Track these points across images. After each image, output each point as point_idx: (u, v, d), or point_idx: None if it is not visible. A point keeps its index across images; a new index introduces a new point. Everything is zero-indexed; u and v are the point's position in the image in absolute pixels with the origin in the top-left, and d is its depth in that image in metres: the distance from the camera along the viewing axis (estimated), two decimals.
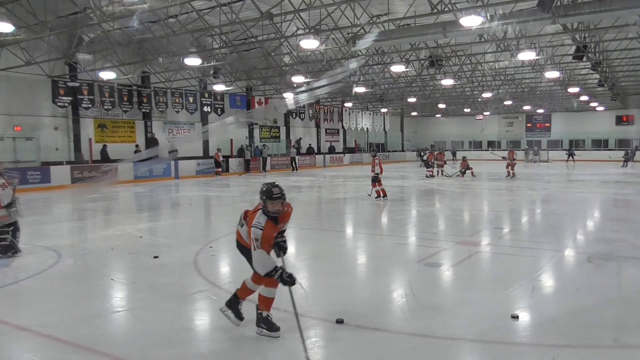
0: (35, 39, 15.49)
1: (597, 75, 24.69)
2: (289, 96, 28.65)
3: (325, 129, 38.48)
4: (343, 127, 39.13)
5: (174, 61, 20.19)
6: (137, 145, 23.86)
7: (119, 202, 15.95)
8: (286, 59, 23.27)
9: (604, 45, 20.37)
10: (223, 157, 26.62)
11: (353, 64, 22.19)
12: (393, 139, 46.66)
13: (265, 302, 4.18)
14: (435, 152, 24.71)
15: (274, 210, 4.02)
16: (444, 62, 21.50)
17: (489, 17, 12.41)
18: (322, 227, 10.16)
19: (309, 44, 15.27)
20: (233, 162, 27.25)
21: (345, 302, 4.93)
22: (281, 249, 4.18)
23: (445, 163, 24.06)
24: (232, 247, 7.73)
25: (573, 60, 19.78)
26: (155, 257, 6.88)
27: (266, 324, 4.12)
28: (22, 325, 4.38)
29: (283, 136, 33.98)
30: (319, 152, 35.44)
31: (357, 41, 15.60)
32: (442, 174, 22.87)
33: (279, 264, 4.03)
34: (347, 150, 39.57)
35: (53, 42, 17.71)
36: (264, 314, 4.16)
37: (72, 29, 16.15)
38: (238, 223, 4.33)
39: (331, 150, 36.71)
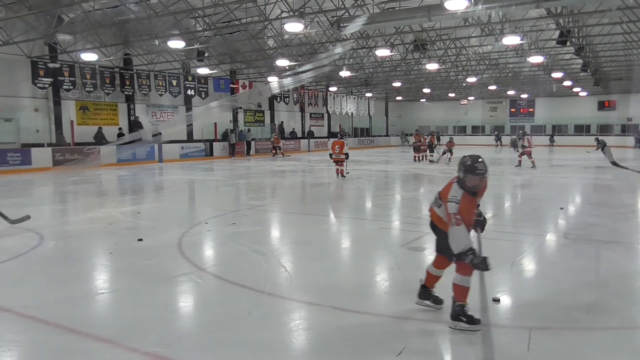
0: (13, 17, 15.10)
1: (580, 60, 24.95)
2: (274, 80, 28.43)
3: (310, 114, 38.37)
4: (327, 111, 39.04)
5: (156, 44, 19.87)
6: (120, 128, 23.55)
7: (102, 185, 15.78)
8: (270, 42, 23.05)
9: (587, 30, 20.55)
10: (207, 140, 26.54)
11: (339, 49, 22.06)
12: (378, 123, 46.73)
13: (462, 292, 3.85)
14: (429, 136, 24.22)
15: (472, 186, 3.77)
16: (429, 46, 21.50)
17: (473, 1, 12.42)
18: (306, 211, 10.19)
19: (293, 27, 15.14)
20: (217, 146, 27.08)
21: (329, 286, 4.98)
22: (479, 224, 4.01)
23: (435, 147, 23.71)
24: (217, 229, 7.82)
25: (557, 45, 19.93)
26: (140, 239, 6.85)
27: (466, 317, 3.81)
28: (4, 307, 4.34)
29: (267, 120, 33.81)
30: (303, 137, 35.37)
31: (341, 24, 15.50)
32: (426, 159, 22.91)
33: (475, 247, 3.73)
34: (332, 135, 39.53)
35: (32, 21, 17.27)
36: (461, 305, 3.84)
37: (52, 8, 15.77)
38: (434, 203, 4.14)
39: (310, 134, 36.52)
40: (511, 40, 18.73)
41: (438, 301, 4.23)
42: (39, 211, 9.89)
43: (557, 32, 18.82)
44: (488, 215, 9.42)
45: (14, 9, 14.49)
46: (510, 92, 40.65)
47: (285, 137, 32.83)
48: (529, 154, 18.41)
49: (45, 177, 17.23)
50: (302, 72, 23.49)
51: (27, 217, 7.51)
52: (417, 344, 3.71)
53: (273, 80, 28.77)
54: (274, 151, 28.59)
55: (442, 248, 4.01)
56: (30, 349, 3.63)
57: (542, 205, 10.53)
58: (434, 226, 4.16)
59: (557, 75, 28.64)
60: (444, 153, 21.79)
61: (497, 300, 4.45)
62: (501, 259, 5.92)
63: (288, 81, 27.79)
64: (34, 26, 17.60)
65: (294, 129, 35.18)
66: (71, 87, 21.47)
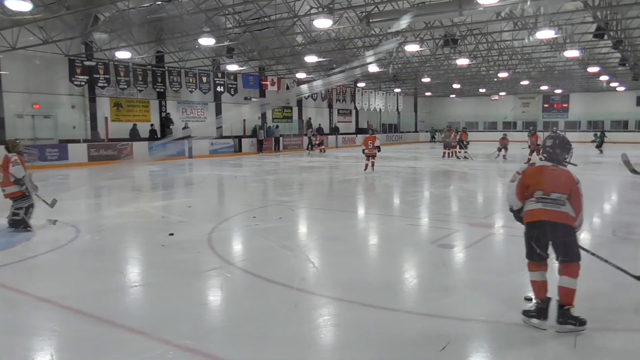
0: (52, 17, 15.55)
1: (618, 54, 24.15)
2: (314, 81, 28.56)
3: (338, 110, 38.31)
4: (355, 107, 38.90)
5: (188, 41, 20.17)
6: (152, 125, 24.06)
7: (134, 180, 16.16)
8: (299, 38, 23.10)
9: (626, 23, 19.86)
10: (236, 137, 26.86)
11: (384, 47, 21.88)
12: (406, 119, 46.31)
13: (571, 295, 3.78)
14: (459, 132, 23.44)
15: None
16: (459, 41, 21.16)
17: None
18: (334, 207, 10.22)
19: (322, 23, 15.12)
20: (246, 142, 27.35)
21: (357, 282, 4.99)
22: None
23: (468, 144, 22.80)
24: (245, 225, 7.92)
25: (593, 39, 19.32)
26: (171, 234, 7.00)
27: (574, 319, 3.73)
28: (43, 297, 4.52)
29: (295, 116, 33.93)
30: (331, 133, 35.36)
31: (370, 20, 15.40)
32: (455, 155, 22.56)
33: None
34: (360, 130, 39.41)
35: (70, 21, 17.77)
36: (569, 308, 3.76)
37: (89, 8, 16.19)
38: (551, 206, 3.89)
39: (335, 130, 36.32)
40: (545, 34, 18.24)
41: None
42: (75, 205, 10.21)
43: (594, 25, 18.26)
44: None
45: (53, 9, 14.93)
46: (544, 87, 39.65)
47: (314, 134, 32.83)
48: (538, 151, 17.82)
49: (82, 172, 17.74)
50: (351, 68, 23.41)
51: (55, 201, 7.76)
52: (444, 340, 3.68)
53: (302, 76, 28.84)
54: (319, 148, 28.33)
55: (577, 251, 3.80)
56: (68, 339, 3.77)
57: None
58: (565, 229, 3.81)
59: (593, 69, 27.80)
60: (499, 150, 21.27)
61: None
62: None
63: (337, 78, 27.83)
64: (71, 25, 18.10)
65: (320, 125, 35.10)
66: (106, 85, 22.01)
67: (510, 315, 4.07)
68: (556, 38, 21.45)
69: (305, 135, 31.02)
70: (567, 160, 4.06)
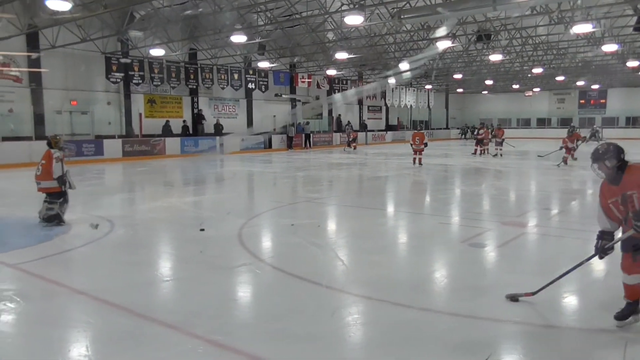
0: (90, 16, 15.97)
1: None
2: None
3: (368, 106, 38.12)
4: (386, 104, 38.63)
5: (220, 38, 20.40)
6: (184, 121, 24.47)
7: (167, 175, 16.46)
8: (330, 35, 23.06)
9: None
10: (266, 132, 27.05)
11: (433, 50, 21.72)
12: (437, 116, 45.73)
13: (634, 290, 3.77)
14: (494, 129, 22.74)
15: (603, 173, 3.80)
16: (493, 36, 20.75)
17: None
18: (363, 204, 10.17)
19: (354, 19, 15.04)
20: (276, 139, 27.51)
21: (387, 280, 4.95)
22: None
23: (504, 141, 21.59)
24: (275, 221, 7.96)
25: (633, 32, 18.66)
26: (202, 229, 7.09)
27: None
28: (79, 289, 4.64)
29: (325, 113, 33.92)
30: (361, 129, 35.22)
31: (402, 16, 15.25)
32: (487, 152, 22.13)
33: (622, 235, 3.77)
34: (389, 127, 39.12)
35: (107, 19, 18.21)
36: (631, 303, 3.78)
37: (125, 6, 16.56)
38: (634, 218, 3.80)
39: (364, 127, 36.08)
40: (582, 28, 17.71)
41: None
42: (110, 200, 10.47)
43: (634, 18, 17.61)
44: (554, 211, 9.06)
45: (91, 8, 15.32)
46: (580, 83, 38.50)
47: (343, 130, 32.78)
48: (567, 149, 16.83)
49: (115, 167, 18.18)
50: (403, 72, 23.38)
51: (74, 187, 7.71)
52: (477, 341, 3.62)
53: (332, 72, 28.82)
54: (354, 144, 27.86)
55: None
56: (102, 331, 3.86)
57: None
58: None
59: (633, 64, 26.84)
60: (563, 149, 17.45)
61: (515, 299, 4.21)
62: (568, 258, 5.66)
63: (390, 81, 27.92)
64: (108, 24, 18.56)
65: (349, 122, 34.95)
66: (140, 81, 22.48)
67: (546, 316, 3.98)
68: (594, 32, 20.78)
69: (344, 131, 31.00)
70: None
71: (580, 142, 17.80)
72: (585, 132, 24.47)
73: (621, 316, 3.76)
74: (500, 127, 23.35)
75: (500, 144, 21.32)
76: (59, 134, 9.78)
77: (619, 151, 3.75)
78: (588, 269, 5.34)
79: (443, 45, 22.32)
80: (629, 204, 3.69)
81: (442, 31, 16.73)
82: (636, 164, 3.79)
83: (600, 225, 3.91)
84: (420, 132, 17.56)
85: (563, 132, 19.38)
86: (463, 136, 42.52)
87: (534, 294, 4.03)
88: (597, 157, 3.81)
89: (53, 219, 7.29)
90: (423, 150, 16.92)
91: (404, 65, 23.60)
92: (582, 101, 43.64)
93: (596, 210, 3.98)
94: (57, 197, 7.31)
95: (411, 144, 17.22)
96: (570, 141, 17.09)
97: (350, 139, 27.98)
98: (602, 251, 3.87)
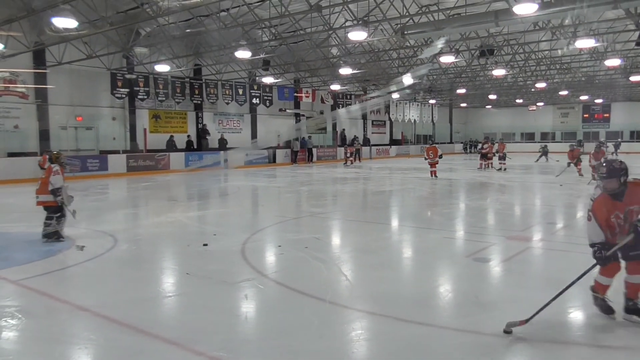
0: (96, 33, 16.16)
1: None
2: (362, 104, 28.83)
3: (372, 121, 38.23)
4: (390, 118, 38.73)
5: (225, 54, 20.58)
6: (188, 136, 24.59)
7: (170, 190, 16.48)
8: (334, 50, 23.23)
9: None
10: (270, 147, 27.12)
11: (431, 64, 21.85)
12: (441, 130, 45.79)
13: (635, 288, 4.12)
14: (495, 143, 22.82)
15: (609, 189, 4.01)
16: (496, 51, 20.83)
17: (544, 2, 11.89)
18: (367, 219, 10.14)
19: (357, 35, 15.14)
20: (280, 153, 27.57)
21: (391, 296, 4.91)
22: (635, 230, 3.98)
23: (505, 155, 21.51)
24: (279, 236, 7.94)
25: (636, 47, 18.70)
26: (205, 244, 7.08)
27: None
28: (82, 306, 4.62)
29: (329, 127, 34.02)
30: (365, 144, 35.26)
31: (405, 32, 15.35)
32: (491, 166, 22.10)
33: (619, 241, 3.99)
34: (394, 142, 39.16)
35: (112, 36, 18.43)
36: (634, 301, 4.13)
37: (131, 23, 16.76)
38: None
39: (366, 142, 35.78)
40: (585, 43, 17.76)
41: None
42: (114, 215, 10.48)
43: (637, 33, 17.68)
44: (559, 225, 9.00)
45: (97, 25, 15.51)
46: (584, 97, 38.55)
47: (347, 145, 32.75)
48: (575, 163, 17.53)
49: (119, 182, 18.24)
50: (401, 89, 23.54)
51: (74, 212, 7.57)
52: (482, 357, 3.58)
53: (335, 87, 28.96)
54: (351, 159, 27.61)
55: None
56: (104, 347, 3.83)
57: None
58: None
59: (636, 78, 26.87)
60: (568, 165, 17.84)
61: (509, 332, 4.02)
62: (573, 273, 5.60)
63: (398, 94, 28.02)
64: (114, 40, 18.77)
65: (355, 136, 35.03)
66: (145, 97, 22.65)
67: (551, 332, 3.92)
68: (596, 47, 20.85)
69: (350, 146, 31.02)
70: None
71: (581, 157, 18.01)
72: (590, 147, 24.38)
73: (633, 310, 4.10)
74: (503, 141, 23.43)
75: (503, 158, 21.33)
76: (63, 149, 9.83)
77: (627, 169, 4.06)
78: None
79: (446, 60, 22.41)
80: (629, 217, 4.02)
81: (437, 47, 16.83)
82: (636, 180, 4.10)
83: (596, 238, 4.06)
84: (434, 146, 18.20)
85: (566, 147, 19.44)
86: (466, 151, 42.58)
87: (527, 321, 3.93)
88: (613, 172, 3.99)
89: (52, 235, 7.27)
90: (437, 163, 17.73)
91: (407, 79, 23.66)
92: (586, 115, 43.65)
93: (588, 226, 4.14)
94: (53, 211, 7.29)
95: (425, 158, 18.05)
96: (570, 157, 17.80)
97: (347, 155, 27.68)
98: (606, 259, 4.02)
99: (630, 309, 4.10)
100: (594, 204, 4.08)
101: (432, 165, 17.71)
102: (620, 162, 4.09)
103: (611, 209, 4.01)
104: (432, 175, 17.61)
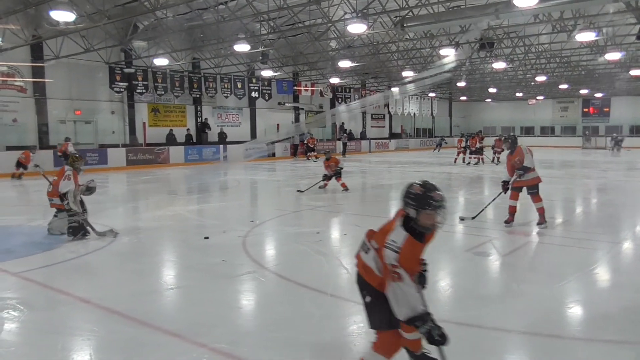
0: (94, 27, 16.08)
1: None
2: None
3: (371, 114, 38.16)
4: (389, 112, 38.65)
5: (223, 47, 20.50)
6: (188, 129, 24.55)
7: (170, 183, 16.47)
8: (333, 43, 23.15)
9: None
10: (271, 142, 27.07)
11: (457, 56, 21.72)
12: (441, 124, 45.74)
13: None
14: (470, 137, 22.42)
15: (427, 225, 2.82)
16: (496, 44, 20.77)
17: None
18: (367, 212, 10.15)
19: (357, 28, 15.09)
20: (279, 147, 27.54)
21: None
22: (421, 279, 2.98)
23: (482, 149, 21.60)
24: (279, 229, 7.95)
25: (636, 41, 18.66)
26: (206, 237, 7.09)
27: None
28: (83, 298, 4.64)
29: (328, 122, 33.96)
30: (364, 138, 35.24)
31: (405, 24, 15.30)
32: (464, 161, 21.75)
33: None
34: (393, 135, 39.12)
35: (110, 30, 18.34)
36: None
37: (129, 17, 16.68)
38: (361, 248, 3.10)
39: (362, 135, 35.58)
40: (585, 36, 17.71)
41: None
42: (114, 209, 10.48)
43: (638, 27, 17.64)
44: (558, 220, 9.01)
45: (95, 19, 15.43)
46: (583, 91, 38.49)
47: (352, 139, 32.65)
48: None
49: (119, 176, 18.22)
50: (422, 78, 23.41)
51: (112, 232, 7.32)
52: (482, 351, 3.59)
53: (334, 80, 28.91)
54: (309, 154, 26.23)
55: (379, 318, 2.89)
56: (106, 339, 3.85)
57: (618, 211, 9.90)
58: (362, 281, 3.01)
59: (636, 72, 26.83)
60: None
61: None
62: (573, 267, 5.64)
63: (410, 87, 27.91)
64: (112, 34, 18.69)
65: (350, 130, 34.84)
66: (144, 91, 22.59)
67: (551, 327, 3.94)
68: (597, 40, 20.81)
69: (339, 139, 30.99)
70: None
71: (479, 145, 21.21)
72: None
73: None
74: (478, 135, 22.59)
75: (478, 151, 21.39)
76: (79, 154, 9.49)
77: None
78: (593, 279, 5.32)
79: (446, 53, 22.33)
80: None
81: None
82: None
83: (418, 304, 2.70)
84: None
85: (566, 140, 19.46)
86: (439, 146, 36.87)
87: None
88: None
89: (77, 232, 6.99)
90: (465, 151, 21.43)
91: (429, 72, 23.48)
92: (586, 109, 43.59)
93: (400, 291, 2.73)
94: (68, 210, 7.05)
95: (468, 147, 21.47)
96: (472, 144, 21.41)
97: (309, 147, 26.25)
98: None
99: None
100: (402, 254, 2.66)
101: (460, 152, 21.56)
102: (423, 186, 2.93)
103: (418, 255, 2.88)
104: (463, 162, 21.24)
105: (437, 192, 2.86)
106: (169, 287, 5.24)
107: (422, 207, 2.78)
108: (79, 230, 7.05)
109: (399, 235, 2.75)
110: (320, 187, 12.78)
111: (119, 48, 20.69)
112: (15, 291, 5.01)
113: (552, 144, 38.97)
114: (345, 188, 12.55)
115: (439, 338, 2.68)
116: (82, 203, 7.32)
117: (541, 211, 7.84)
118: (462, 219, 8.19)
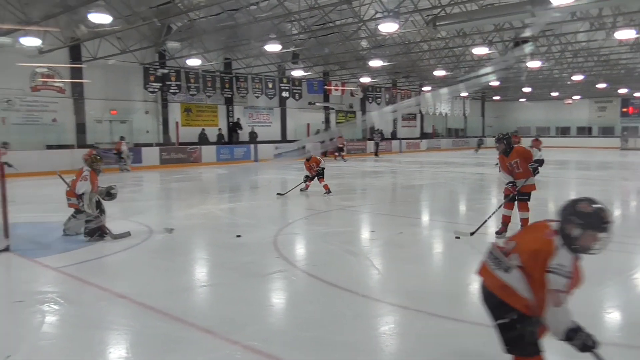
0: (129, 28, 16.49)
1: None
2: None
3: (402, 114, 37.84)
4: (420, 111, 38.26)
5: (254, 47, 20.70)
6: (219, 129, 24.90)
7: (203, 182, 16.73)
8: (364, 43, 23.08)
9: None
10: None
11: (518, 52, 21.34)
12: (473, 124, 45.00)
13: None
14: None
15: (586, 246, 2.65)
16: (531, 43, 20.32)
17: None
18: (397, 213, 10.08)
19: (388, 27, 14.99)
20: (309, 146, 27.56)
21: (422, 290, 4.89)
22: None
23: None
24: (309, 229, 7.98)
25: None
26: (238, 236, 7.16)
27: None
28: (120, 293, 4.76)
29: (359, 121, 33.84)
30: (395, 138, 34.99)
31: (437, 23, 15.13)
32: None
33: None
34: (424, 135, 38.72)
35: (145, 31, 18.76)
36: None
37: (163, 18, 17.03)
38: (492, 263, 2.89)
39: (393, 135, 35.27)
40: (625, 34, 17.15)
41: None
42: (148, 207, 10.71)
43: None
44: None
45: (130, 21, 15.82)
46: (622, 91, 37.24)
47: (384, 139, 32.40)
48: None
49: (153, 175, 18.61)
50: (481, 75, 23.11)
51: (128, 234, 7.28)
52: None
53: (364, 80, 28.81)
54: (336, 154, 25.78)
55: (531, 342, 2.77)
56: (141, 334, 3.94)
57: None
58: (491, 297, 2.80)
59: None
60: None
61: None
62: (612, 272, 5.47)
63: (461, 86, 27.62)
64: (146, 36, 19.11)
65: (381, 130, 34.54)
66: (177, 91, 23.01)
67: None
68: (637, 38, 20.12)
69: (371, 139, 30.82)
70: None
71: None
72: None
73: None
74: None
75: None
76: (98, 142, 9.72)
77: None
78: (633, 284, 5.16)
79: (479, 51, 21.97)
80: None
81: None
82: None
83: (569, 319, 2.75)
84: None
85: (604, 141, 18.86)
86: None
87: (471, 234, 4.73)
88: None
89: (94, 233, 7.00)
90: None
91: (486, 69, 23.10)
92: (625, 109, 42.17)
93: (559, 314, 2.74)
94: (84, 214, 7.03)
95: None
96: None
97: (341, 147, 25.92)
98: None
99: None
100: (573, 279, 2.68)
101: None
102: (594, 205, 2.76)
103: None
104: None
105: (609, 212, 2.66)
106: (201, 284, 5.33)
107: (590, 227, 2.59)
108: (95, 231, 7.01)
109: (565, 259, 2.60)
110: (301, 190, 12.35)
111: (153, 49, 21.13)
112: (55, 285, 5.19)
113: (589, 144, 37.85)
114: (327, 190, 11.87)
115: (592, 344, 2.64)
116: (98, 203, 7.22)
117: (525, 222, 6.97)
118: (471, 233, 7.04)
